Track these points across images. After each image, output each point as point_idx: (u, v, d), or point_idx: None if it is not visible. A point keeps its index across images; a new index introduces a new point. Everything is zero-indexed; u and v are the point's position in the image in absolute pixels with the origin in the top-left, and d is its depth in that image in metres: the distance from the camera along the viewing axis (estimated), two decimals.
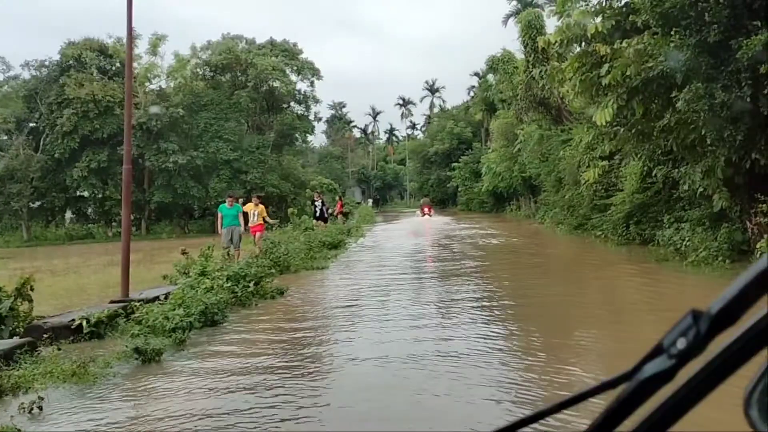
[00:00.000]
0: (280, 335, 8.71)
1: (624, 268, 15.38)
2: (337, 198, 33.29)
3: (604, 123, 14.56)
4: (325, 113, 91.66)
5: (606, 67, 14.02)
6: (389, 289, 12.19)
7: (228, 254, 14.42)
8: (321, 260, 17.09)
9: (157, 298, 10.44)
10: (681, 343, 0.65)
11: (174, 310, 8.99)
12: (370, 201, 73.32)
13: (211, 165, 48.95)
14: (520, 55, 27.73)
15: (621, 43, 13.50)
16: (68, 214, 51.23)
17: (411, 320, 9.22)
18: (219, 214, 15.88)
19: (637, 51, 13.33)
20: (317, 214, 23.63)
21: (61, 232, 48.02)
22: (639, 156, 16.42)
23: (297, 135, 54.37)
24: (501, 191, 42.04)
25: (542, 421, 0.74)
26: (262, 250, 15.31)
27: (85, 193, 48.63)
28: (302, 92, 52.42)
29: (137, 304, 9.59)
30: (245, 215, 16.11)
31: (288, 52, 51.21)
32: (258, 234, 16.48)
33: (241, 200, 23.02)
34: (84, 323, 8.84)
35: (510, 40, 67.49)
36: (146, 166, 47.77)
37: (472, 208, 53.68)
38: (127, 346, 7.56)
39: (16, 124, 47.19)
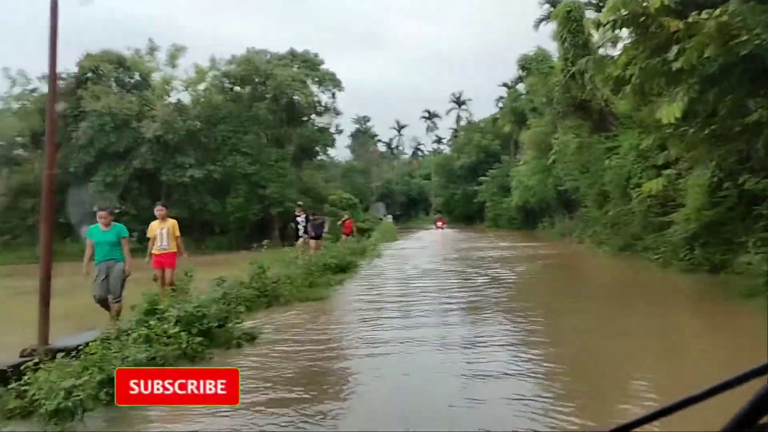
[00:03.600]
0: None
1: (694, 305, 12.06)
2: (345, 216, 29.76)
3: (672, 120, 11.32)
4: (350, 127, 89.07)
5: (676, 49, 10.83)
6: (395, 338, 8.92)
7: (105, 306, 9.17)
8: (321, 288, 13.95)
9: (85, 344, 7.44)
10: None
11: (82, 372, 6.05)
12: (390, 217, 70.01)
13: (228, 179, 46.48)
14: (555, 57, 24.68)
15: (699, 14, 10.30)
16: (85, 230, 48.85)
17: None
18: (89, 242, 9.61)
19: (721, 25, 10.14)
20: (300, 232, 20.01)
21: (77, 247, 45.74)
22: (712, 163, 13.13)
23: (317, 148, 51.68)
24: (532, 207, 38.62)
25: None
26: (168, 292, 9.67)
27: (96, 209, 46.30)
28: (323, 104, 49.75)
29: (42, 358, 6.68)
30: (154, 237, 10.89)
31: (309, 63, 48.66)
32: (169, 270, 10.73)
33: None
34: None
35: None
36: (163, 180, 45.38)
37: (500, 224, 50.22)
38: None
39: (31, 138, 45.21)
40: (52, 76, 8.61)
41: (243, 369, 7.03)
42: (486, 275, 16.63)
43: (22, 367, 6.15)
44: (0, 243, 46.07)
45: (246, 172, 46.12)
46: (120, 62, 46.88)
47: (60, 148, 45.85)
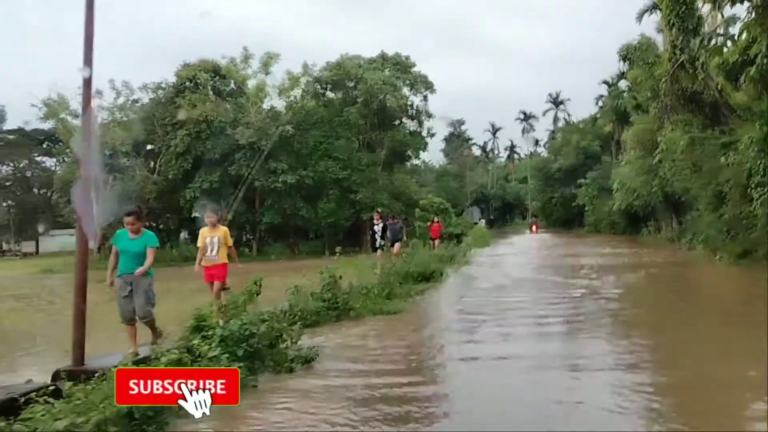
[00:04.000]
0: None
1: None
2: (434, 218, 28.05)
3: None
4: (443, 131, 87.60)
5: None
6: (479, 368, 7.47)
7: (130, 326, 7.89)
8: (399, 300, 12.73)
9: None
10: None
11: (86, 409, 5.09)
12: (483, 221, 67.84)
13: (320, 184, 46.29)
14: (662, 48, 22.33)
15: None
16: (183, 235, 50.20)
17: None
18: (113, 249, 8.19)
19: None
20: (378, 242, 18.03)
21: (176, 253, 46.99)
22: None
23: (409, 152, 50.67)
24: (635, 210, 35.81)
25: None
26: (224, 310, 8.26)
27: (198, 214, 47.19)
28: (415, 107, 48.70)
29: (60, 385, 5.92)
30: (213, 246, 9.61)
31: (400, 66, 47.74)
32: (218, 283, 9.62)
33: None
34: None
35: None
36: (256, 186, 45.69)
37: (600, 229, 47.22)
38: None
39: (132, 146, 46.62)
40: (86, 99, 7.71)
41: (280, 408, 5.91)
42: (586, 287, 14.76)
43: (22, 399, 5.31)
44: (106, 248, 47.98)
45: (337, 177, 45.77)
46: (215, 71, 47.67)
47: (160, 156, 47.52)
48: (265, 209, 46.06)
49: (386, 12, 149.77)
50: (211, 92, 48.17)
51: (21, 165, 70.87)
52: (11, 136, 70.71)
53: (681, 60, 17.90)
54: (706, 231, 21.13)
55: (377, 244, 17.82)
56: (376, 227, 18.06)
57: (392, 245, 18.36)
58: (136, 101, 49.79)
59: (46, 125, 53.10)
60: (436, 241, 25.15)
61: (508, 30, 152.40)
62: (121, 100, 48.85)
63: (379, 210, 19.95)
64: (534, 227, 57.03)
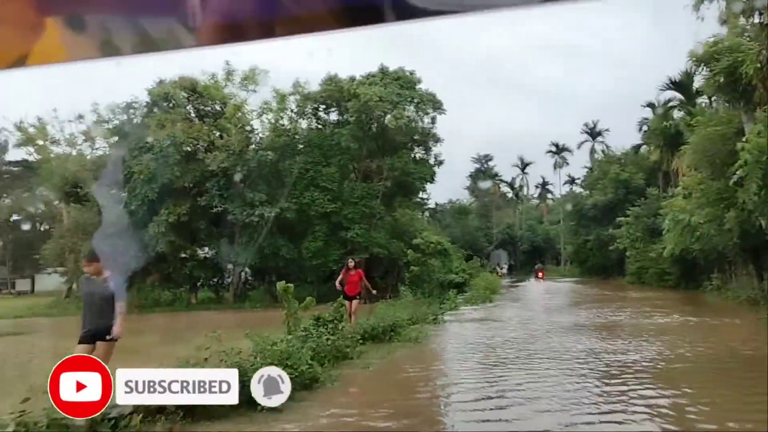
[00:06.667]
0: None
1: None
2: (349, 262, 15.80)
3: None
4: (469, 167, 77.43)
5: None
6: None
7: None
8: None
9: None
10: None
11: None
12: (506, 267, 57.45)
13: (305, 219, 37.42)
14: None
15: None
16: (152, 277, 41.60)
17: None
18: None
19: None
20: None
21: (143, 297, 38.55)
22: None
23: (416, 183, 41.35)
24: (695, 256, 25.33)
25: None
26: None
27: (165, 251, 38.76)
28: (421, 129, 39.68)
29: None
30: None
31: (402, 81, 38.81)
32: None
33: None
34: None
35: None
36: (230, 220, 37.24)
37: (645, 280, 36.28)
38: None
39: (93, 173, 39.20)
40: None
41: None
42: None
43: None
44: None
45: (325, 210, 36.88)
46: (193, 88, 39.72)
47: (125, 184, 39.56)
48: (240, 248, 37.45)
49: (424, 54, 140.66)
50: (193, 114, 40.47)
51: (24, 196, 65.16)
52: (15, 168, 65.30)
53: None
54: None
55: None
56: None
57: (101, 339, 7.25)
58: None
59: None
60: (354, 302, 13.99)
61: (549, 71, 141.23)
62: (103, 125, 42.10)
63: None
64: (540, 273, 51.96)
